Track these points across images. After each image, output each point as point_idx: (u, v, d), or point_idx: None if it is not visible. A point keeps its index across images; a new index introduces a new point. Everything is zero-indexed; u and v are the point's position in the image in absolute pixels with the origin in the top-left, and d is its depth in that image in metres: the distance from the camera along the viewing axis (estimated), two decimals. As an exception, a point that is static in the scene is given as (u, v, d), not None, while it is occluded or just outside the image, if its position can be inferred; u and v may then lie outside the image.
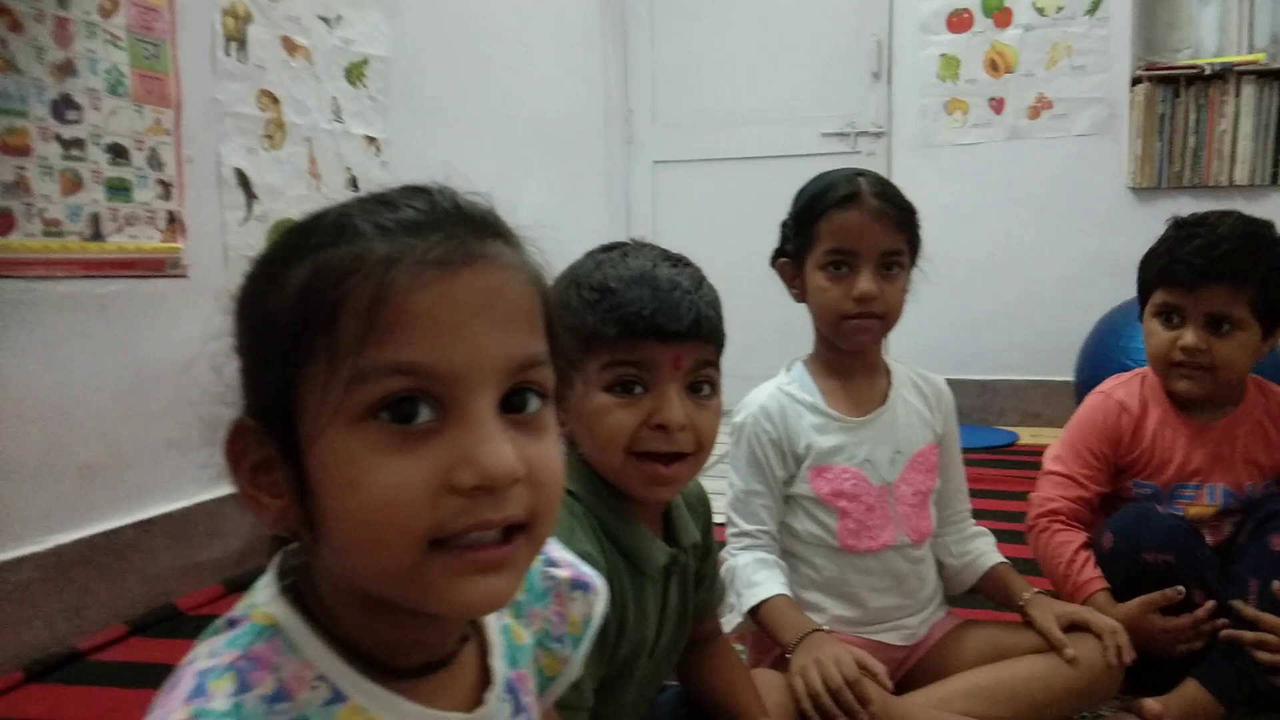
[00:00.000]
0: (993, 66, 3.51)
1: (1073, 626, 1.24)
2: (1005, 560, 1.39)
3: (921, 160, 3.59)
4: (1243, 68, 3.26)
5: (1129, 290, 3.03)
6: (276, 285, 0.50)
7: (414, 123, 2.58)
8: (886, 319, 1.28)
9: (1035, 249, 3.50)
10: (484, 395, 0.49)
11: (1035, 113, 3.49)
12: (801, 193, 1.31)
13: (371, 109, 2.41)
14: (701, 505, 1.06)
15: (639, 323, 0.85)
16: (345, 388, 0.47)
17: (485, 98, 2.96)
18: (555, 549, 0.69)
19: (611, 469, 0.90)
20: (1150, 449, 1.44)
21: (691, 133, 3.96)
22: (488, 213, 0.53)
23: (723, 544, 1.28)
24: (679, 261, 0.92)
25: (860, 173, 1.29)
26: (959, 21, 3.53)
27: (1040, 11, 3.45)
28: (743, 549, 1.28)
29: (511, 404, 0.51)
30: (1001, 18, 3.49)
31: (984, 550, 1.40)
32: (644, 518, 0.94)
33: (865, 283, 1.23)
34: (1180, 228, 1.43)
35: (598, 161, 3.88)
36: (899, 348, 3.61)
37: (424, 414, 0.48)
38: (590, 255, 0.93)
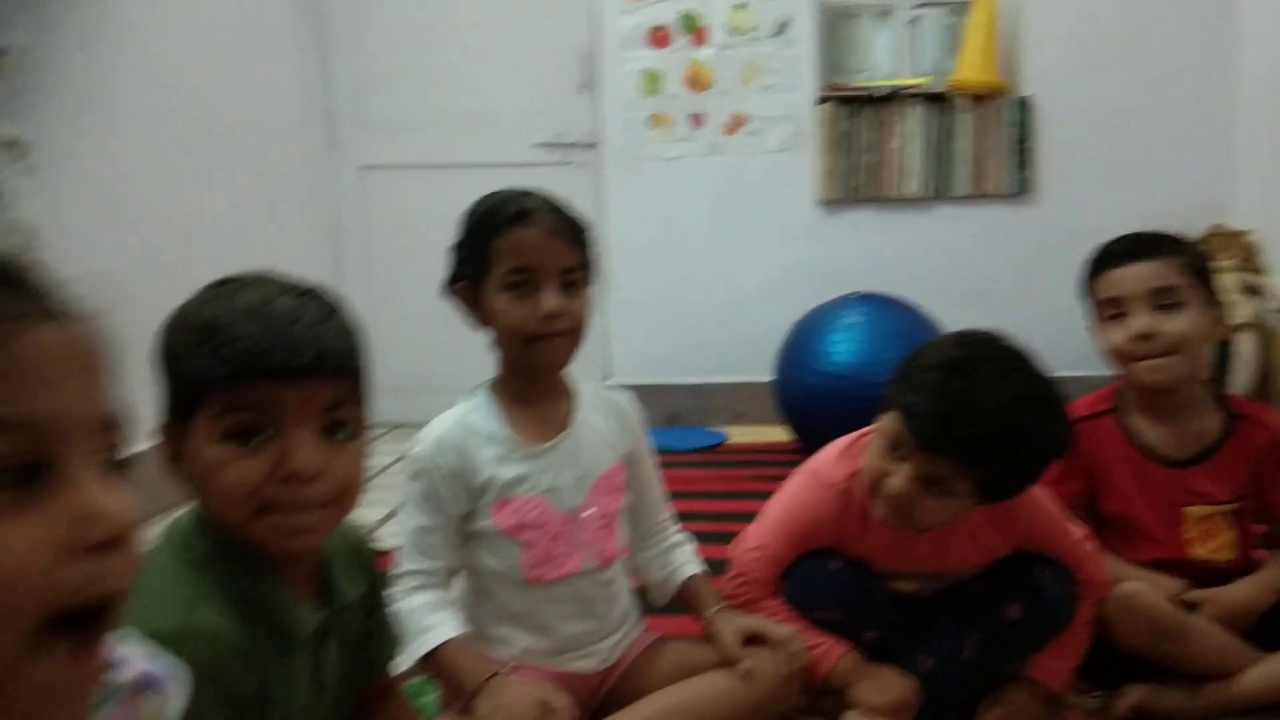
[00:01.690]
0: (692, 83, 3.65)
1: (754, 638, 1.28)
2: (701, 571, 1.41)
3: (631, 173, 3.67)
4: (910, 90, 3.57)
5: (818, 297, 3.29)
6: None
7: (67, 124, 2.29)
8: (574, 335, 1.25)
9: (737, 258, 3.66)
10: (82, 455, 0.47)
11: (732, 129, 3.65)
12: (470, 214, 1.27)
13: (9, 106, 2.11)
14: (363, 554, 0.98)
15: (252, 360, 0.77)
16: None
17: (155, 98, 2.69)
18: (118, 647, 0.60)
19: (239, 529, 0.80)
20: (869, 546, 1.38)
21: (400, 136, 3.82)
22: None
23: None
24: (307, 293, 0.84)
25: (529, 192, 1.26)
26: (659, 38, 3.63)
27: (734, 31, 3.62)
28: (415, 589, 1.22)
29: None
30: (698, 36, 3.62)
31: (682, 561, 1.41)
32: (291, 578, 0.85)
33: (551, 300, 1.20)
34: (948, 371, 1.21)
35: (296, 165, 3.65)
36: (617, 357, 3.71)
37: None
38: (204, 289, 0.83)
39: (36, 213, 2.17)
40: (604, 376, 3.71)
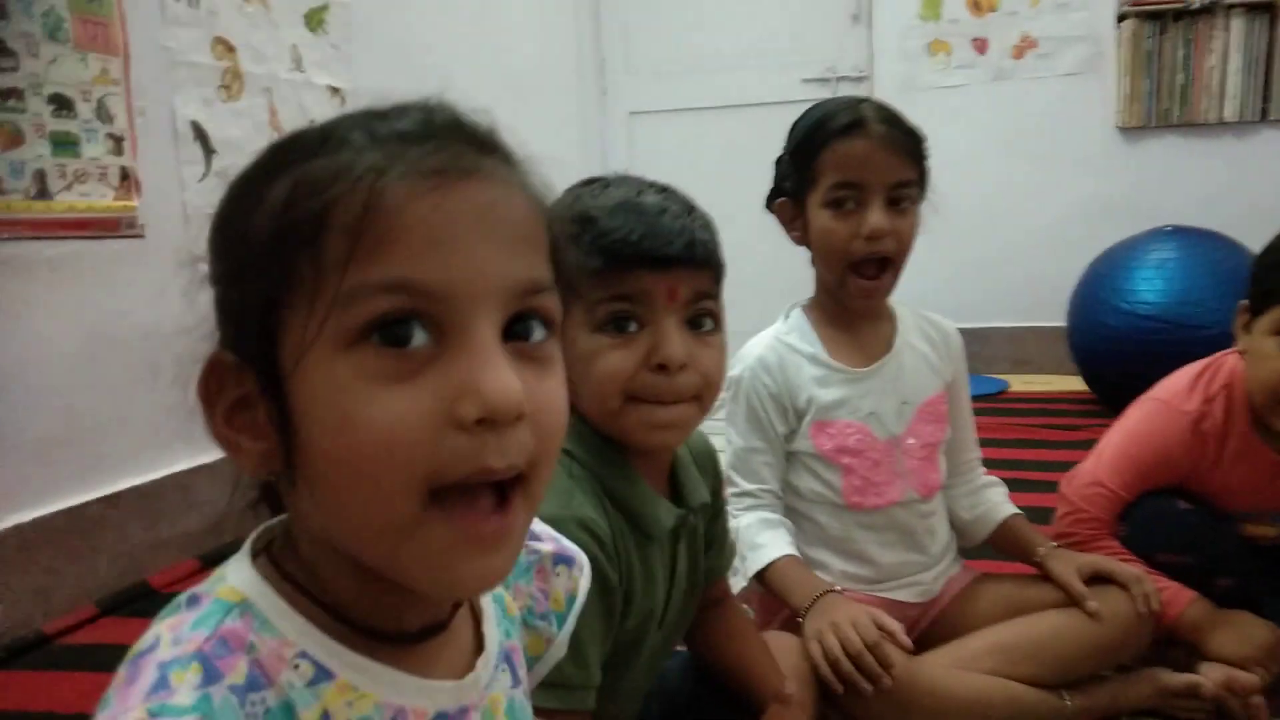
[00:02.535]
0: (975, 6, 3.41)
1: (1096, 578, 1.18)
2: (1018, 511, 1.33)
3: (905, 104, 3.40)
4: (1230, 0, 3.18)
5: (1119, 233, 3.01)
6: (255, 202, 0.45)
7: (379, 71, 2.45)
8: (898, 260, 1.19)
9: (1023, 193, 3.42)
10: (486, 318, 0.44)
11: (1020, 52, 3.39)
12: (798, 124, 1.23)
13: (334, 57, 2.29)
14: (709, 462, 0.98)
15: (626, 249, 0.77)
16: (331, 308, 0.42)
17: (452, 45, 2.83)
18: (535, 521, 0.62)
19: (609, 418, 0.81)
20: (1223, 482, 1.27)
21: (667, 81, 3.85)
22: (488, 129, 0.49)
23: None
24: (665, 190, 0.84)
25: (862, 100, 1.20)
26: (942, -41, 3.42)
27: (1024, -53, 3.35)
28: (745, 509, 1.21)
29: (515, 332, 0.46)
30: (985, -46, 3.38)
31: (996, 501, 1.33)
32: (649, 477, 0.86)
33: (876, 218, 1.14)
34: None
35: (571, 112, 3.76)
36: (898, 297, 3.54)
37: (419, 338, 0.43)
38: (568, 190, 0.83)
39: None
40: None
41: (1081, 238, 3.04)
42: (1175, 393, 1.28)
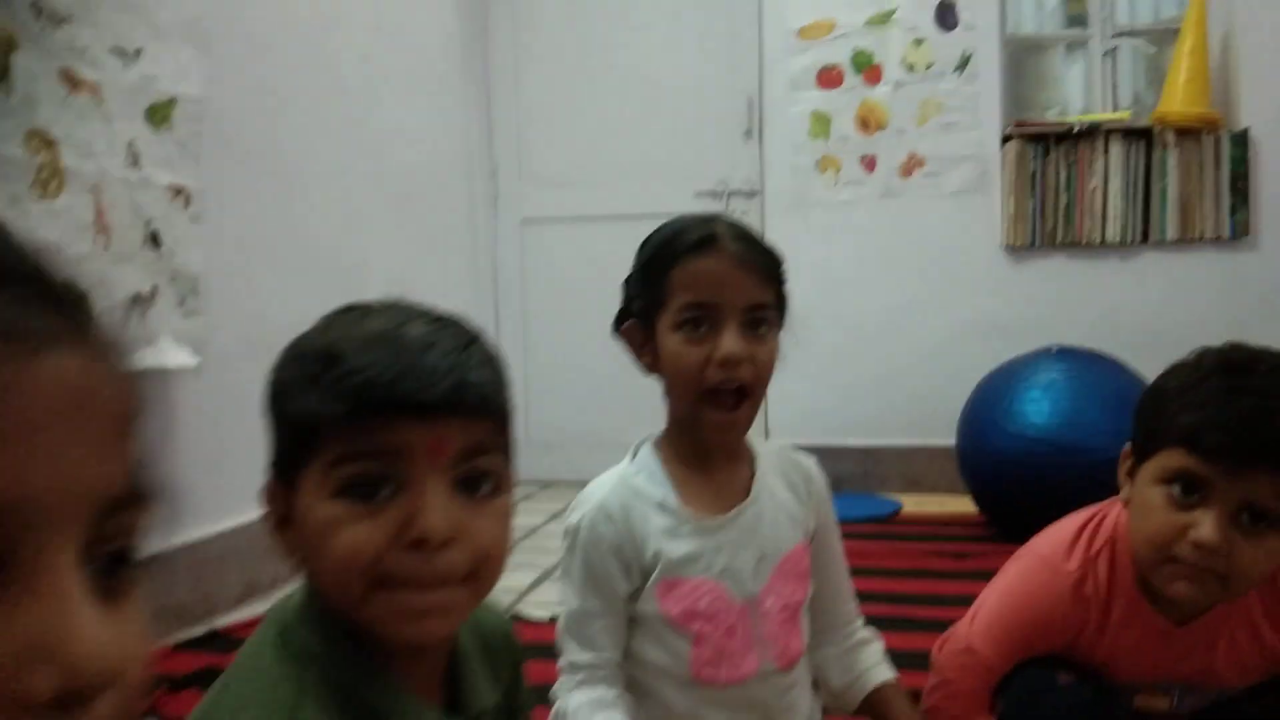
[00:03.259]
0: (864, 124, 3.44)
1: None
2: (892, 678, 1.18)
3: (795, 220, 3.47)
4: (1110, 126, 3.25)
5: (1008, 352, 2.98)
6: None
7: (235, 172, 2.29)
8: (754, 390, 1.05)
9: (912, 310, 3.39)
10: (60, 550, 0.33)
11: (908, 171, 3.41)
12: (647, 242, 1.10)
13: (179, 155, 2.12)
14: (506, 649, 0.80)
15: (376, 392, 0.62)
16: None
17: (324, 147, 2.69)
18: None
19: (352, 606, 0.64)
20: (1110, 650, 1.13)
21: (561, 189, 3.77)
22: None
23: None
24: (443, 320, 0.69)
25: (716, 216, 1.09)
26: (829, 78, 3.45)
27: (910, 68, 3.40)
28: (577, 685, 1.03)
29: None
30: (871, 74, 3.42)
31: (869, 665, 1.18)
32: (414, 679, 0.69)
33: (731, 342, 1.01)
34: (1227, 374, 1.01)
35: (460, 219, 3.64)
36: (775, 416, 3.48)
37: None
38: (323, 318, 0.69)
39: (200, 260, 2.16)
40: (761, 437, 3.49)
41: (970, 356, 3.00)
42: (1056, 548, 1.15)
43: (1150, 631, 1.10)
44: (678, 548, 1.06)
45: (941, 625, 1.29)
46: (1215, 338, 3.33)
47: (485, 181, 3.79)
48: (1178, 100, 3.17)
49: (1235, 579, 0.99)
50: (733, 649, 1.06)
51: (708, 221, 1.06)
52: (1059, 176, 3.29)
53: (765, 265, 1.06)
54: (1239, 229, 3.19)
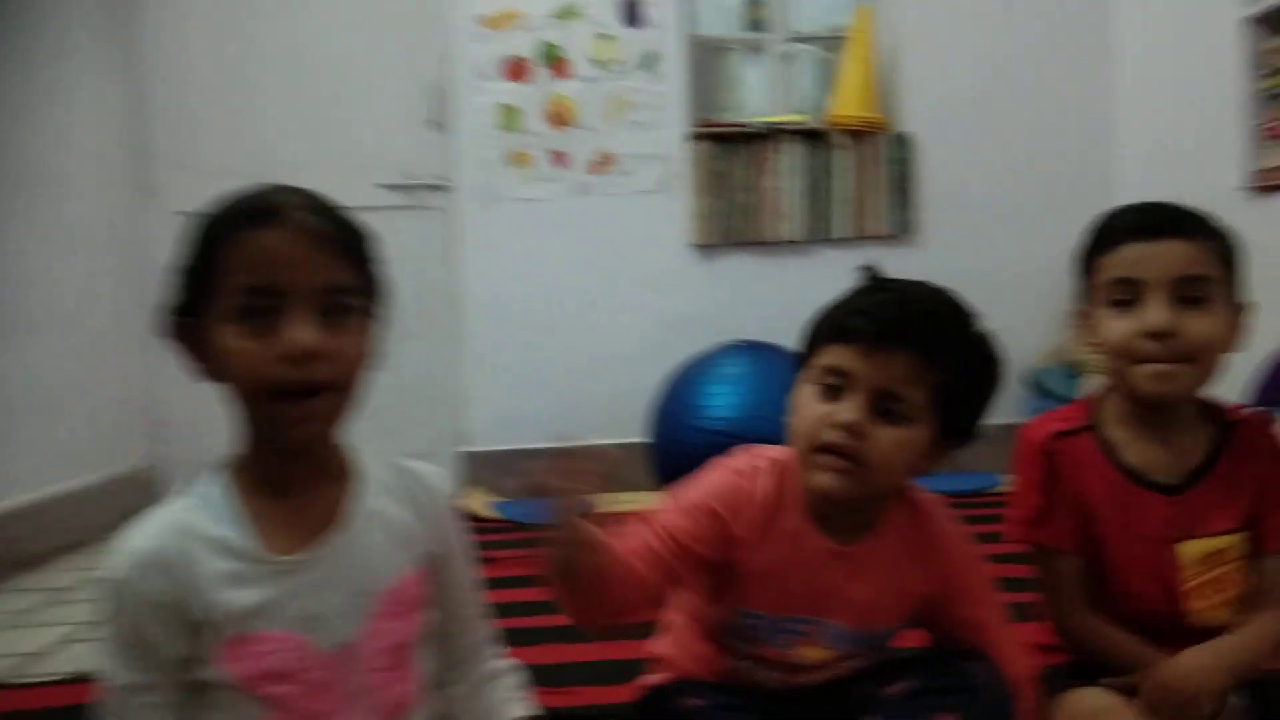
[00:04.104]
0: (554, 119, 3.35)
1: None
2: (525, 714, 1.06)
3: (487, 215, 3.33)
4: (786, 127, 3.36)
5: (697, 347, 3.00)
6: None
7: None
8: (341, 388, 0.89)
9: (604, 307, 3.35)
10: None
11: (598, 168, 3.36)
12: (195, 223, 0.91)
13: None
14: None
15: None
16: None
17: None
18: None
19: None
20: (770, 564, 1.09)
21: (230, 182, 3.39)
22: None
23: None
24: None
25: (284, 187, 0.91)
26: (516, 69, 3.33)
27: (598, 64, 3.35)
28: None
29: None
30: (559, 68, 3.34)
31: (501, 700, 1.06)
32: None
33: (299, 331, 0.84)
34: (872, 282, 1.10)
35: (101, 209, 3.19)
36: (473, 420, 3.33)
37: None
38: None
39: None
40: (457, 442, 3.33)
41: (661, 353, 3.00)
42: (727, 459, 1.15)
43: (815, 552, 1.08)
44: (244, 597, 0.87)
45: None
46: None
47: (134, 169, 3.36)
48: (848, 104, 3.33)
49: (874, 468, 1.01)
50: (321, 708, 0.89)
51: (269, 192, 0.89)
52: (741, 175, 3.36)
53: (344, 241, 0.90)
54: (904, 226, 3.39)
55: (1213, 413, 1.24)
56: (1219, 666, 1.12)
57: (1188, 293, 1.13)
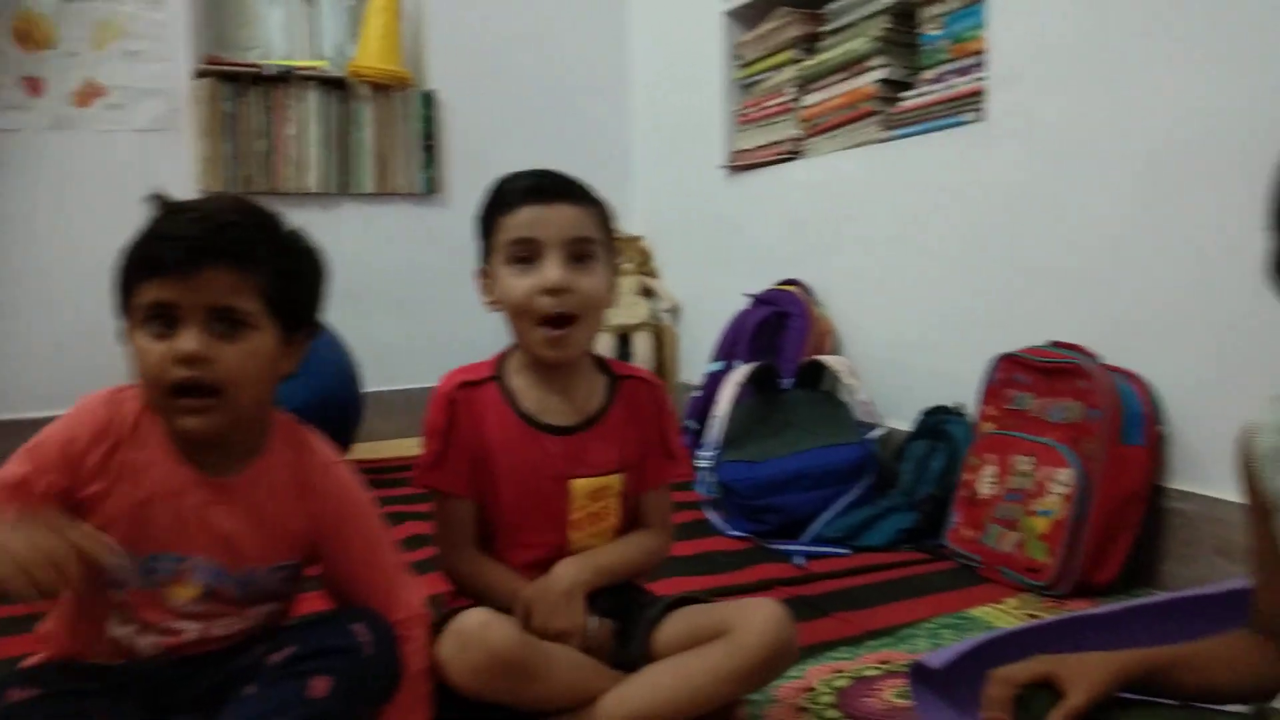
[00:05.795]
0: (24, 38, 2.92)
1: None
2: None
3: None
4: (306, 73, 3.22)
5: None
6: None
7: None
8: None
9: (96, 257, 3.01)
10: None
11: (86, 100, 2.99)
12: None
13: None
14: None
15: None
16: None
17: None
18: None
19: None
20: (133, 496, 1.04)
21: None
22: None
23: None
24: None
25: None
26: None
27: (80, -18, 2.97)
28: None
29: None
30: (32, -19, 2.92)
31: None
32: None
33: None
34: (165, 204, 1.05)
35: None
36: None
37: None
38: None
39: None
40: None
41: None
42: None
43: (181, 484, 1.04)
44: None
45: None
46: (410, 285, 3.52)
47: None
48: (371, 55, 3.25)
49: (232, 388, 1.01)
50: None
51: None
52: (256, 121, 3.17)
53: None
54: (430, 185, 3.41)
55: (606, 368, 1.38)
56: (585, 567, 1.26)
57: (578, 252, 1.25)
